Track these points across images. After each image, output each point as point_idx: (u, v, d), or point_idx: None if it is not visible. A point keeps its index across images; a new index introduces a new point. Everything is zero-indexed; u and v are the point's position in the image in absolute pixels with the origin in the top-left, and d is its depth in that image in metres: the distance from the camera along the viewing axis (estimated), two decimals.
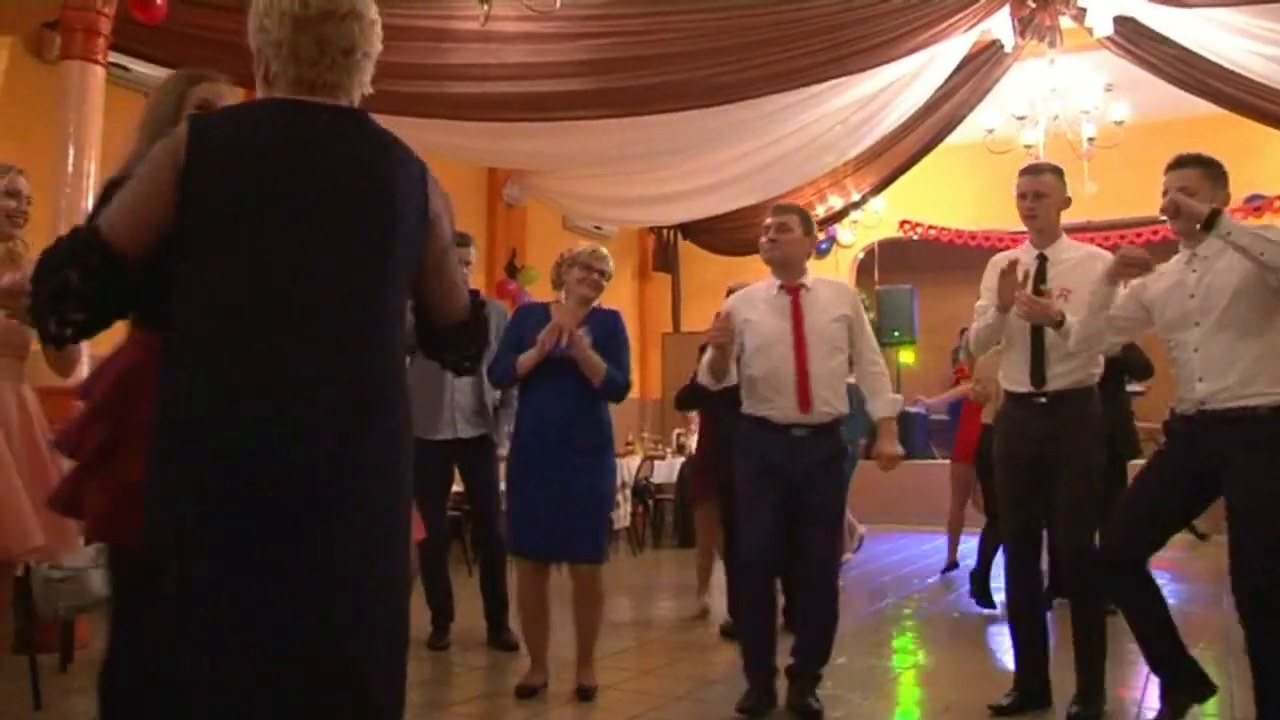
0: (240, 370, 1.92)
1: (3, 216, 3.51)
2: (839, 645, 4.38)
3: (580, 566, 4.42)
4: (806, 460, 4.14)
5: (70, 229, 2.09)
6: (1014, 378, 4.15)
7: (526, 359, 4.41)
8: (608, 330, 4.51)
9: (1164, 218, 3.78)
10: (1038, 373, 4.04)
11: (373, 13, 2.24)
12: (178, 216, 2.00)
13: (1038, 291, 4.03)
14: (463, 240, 5.25)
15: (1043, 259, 4.15)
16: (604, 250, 4.66)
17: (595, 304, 4.59)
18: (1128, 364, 5.54)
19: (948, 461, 8.19)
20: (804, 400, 4.13)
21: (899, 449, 4.39)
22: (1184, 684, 3.75)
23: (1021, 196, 4.16)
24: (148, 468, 1.97)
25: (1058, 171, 4.23)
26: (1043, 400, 4.04)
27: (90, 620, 5.03)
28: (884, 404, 4.31)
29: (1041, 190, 4.13)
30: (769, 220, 4.35)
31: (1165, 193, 3.69)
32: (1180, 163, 3.75)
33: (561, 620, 4.59)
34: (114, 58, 6.00)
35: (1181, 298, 3.71)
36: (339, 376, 1.97)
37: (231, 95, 2.75)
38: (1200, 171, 3.70)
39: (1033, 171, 4.22)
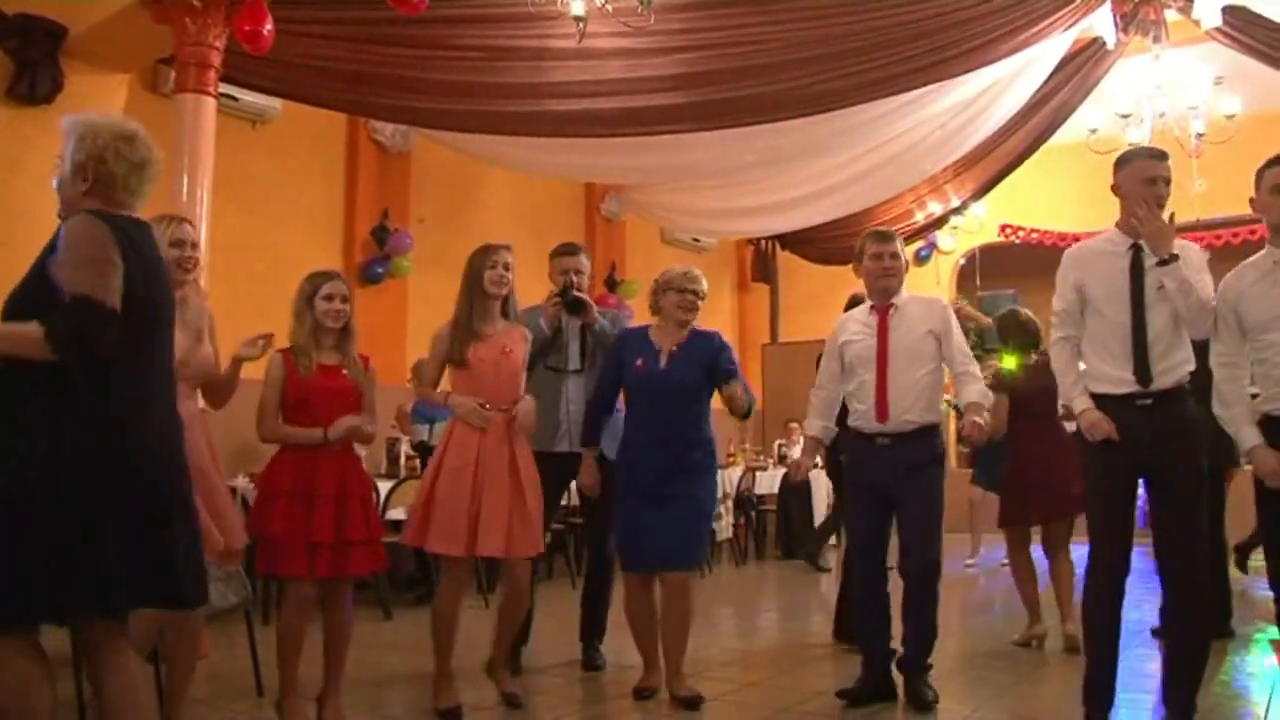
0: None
1: (173, 266, 3.62)
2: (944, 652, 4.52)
3: (671, 574, 4.50)
4: (892, 467, 4.39)
5: None
6: (1112, 376, 3.80)
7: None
8: (712, 356, 4.60)
9: None
10: (1143, 369, 3.73)
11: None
12: None
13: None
14: (570, 250, 5.28)
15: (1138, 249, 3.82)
16: (696, 271, 4.76)
17: (697, 326, 4.75)
18: None
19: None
20: (881, 410, 4.40)
21: (982, 420, 4.39)
22: None
23: (1153, 181, 3.79)
24: None
25: None
26: (1148, 401, 3.73)
27: (211, 631, 5.20)
28: (971, 392, 4.46)
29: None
30: (879, 248, 4.55)
31: (1275, 189, 3.60)
32: (1276, 160, 3.63)
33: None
34: (223, 88, 6.21)
35: (1273, 299, 3.58)
36: None
37: None
38: None
39: (1163, 157, 3.91)
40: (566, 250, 5.35)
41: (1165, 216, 3.72)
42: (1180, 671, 3.75)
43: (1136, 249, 3.80)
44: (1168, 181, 3.81)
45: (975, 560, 9.43)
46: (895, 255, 4.55)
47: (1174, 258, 3.65)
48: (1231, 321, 3.71)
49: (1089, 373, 3.86)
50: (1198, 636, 3.78)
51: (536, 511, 4.40)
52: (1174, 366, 3.75)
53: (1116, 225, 3.91)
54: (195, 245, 3.82)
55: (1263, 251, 3.69)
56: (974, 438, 4.41)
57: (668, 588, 4.53)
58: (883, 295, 4.55)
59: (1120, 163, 3.91)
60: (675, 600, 4.51)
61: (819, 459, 5.65)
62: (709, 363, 4.58)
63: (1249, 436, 3.61)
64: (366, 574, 4.37)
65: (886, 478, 4.40)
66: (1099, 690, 3.83)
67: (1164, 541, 3.75)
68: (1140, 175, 3.80)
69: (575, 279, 5.18)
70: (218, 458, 3.96)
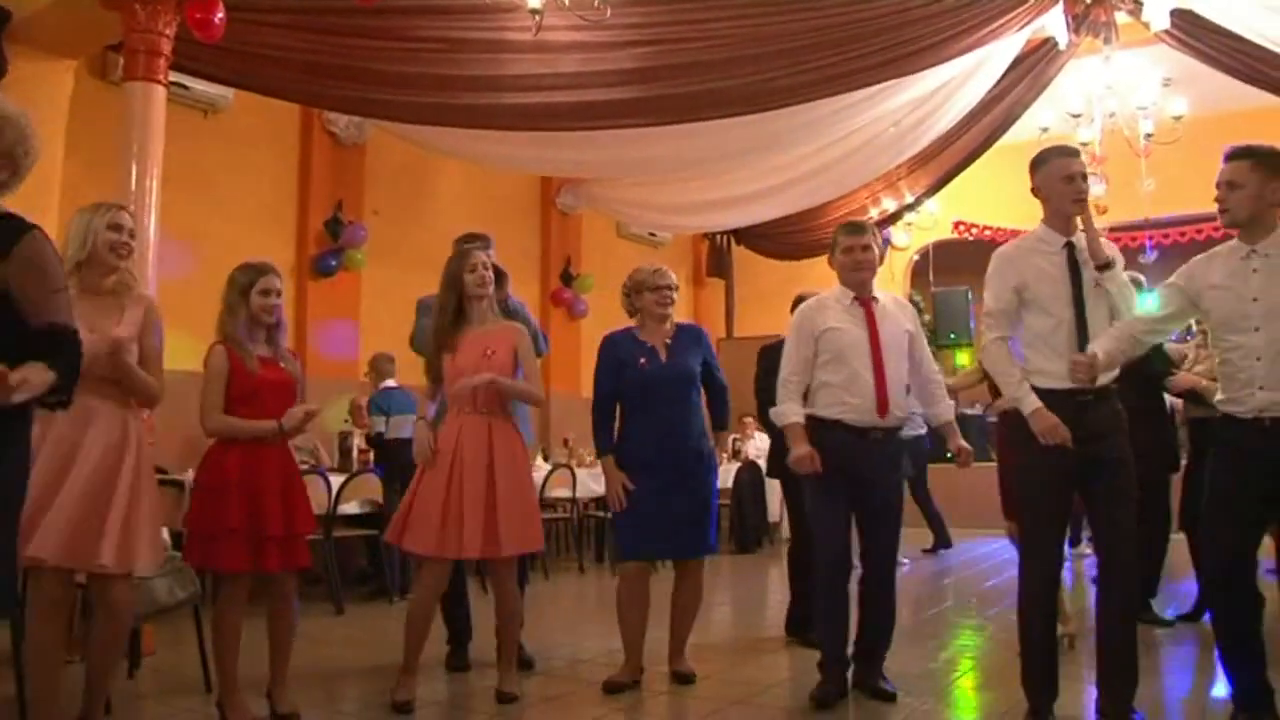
0: None
1: (107, 250, 3.63)
2: (899, 647, 4.56)
3: (691, 562, 4.76)
4: (878, 461, 4.39)
5: None
6: (1057, 372, 3.81)
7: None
8: (701, 347, 4.86)
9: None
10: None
11: None
12: None
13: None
14: (485, 243, 5.20)
15: (1072, 246, 3.88)
16: (664, 267, 4.89)
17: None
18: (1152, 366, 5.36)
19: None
20: (883, 405, 4.35)
21: (966, 444, 4.48)
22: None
23: (1072, 179, 3.86)
24: None
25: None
26: (1089, 396, 3.76)
27: (156, 628, 5.14)
28: (946, 408, 4.60)
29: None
30: (852, 241, 4.52)
31: (1219, 185, 3.62)
32: (1230, 155, 3.63)
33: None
34: (174, 77, 6.12)
35: (1240, 297, 3.56)
36: None
37: None
38: (1249, 163, 3.55)
39: (1077, 154, 3.98)
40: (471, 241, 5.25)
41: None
42: (1114, 660, 3.79)
43: (1070, 246, 3.86)
44: (1084, 177, 3.90)
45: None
46: (867, 247, 4.50)
47: (1112, 263, 3.79)
48: (1182, 303, 3.76)
49: (1030, 370, 3.87)
50: (1130, 624, 3.83)
51: (519, 513, 4.39)
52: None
53: (1044, 223, 3.94)
54: (132, 232, 3.75)
55: (1232, 243, 3.67)
56: (967, 463, 4.40)
57: (685, 572, 4.78)
58: (860, 287, 4.50)
59: (1036, 164, 3.96)
60: (690, 583, 4.79)
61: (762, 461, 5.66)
62: (704, 350, 4.83)
63: None
64: (309, 566, 4.34)
65: (873, 472, 4.37)
66: (1044, 681, 3.86)
67: (1106, 532, 3.82)
68: (1059, 174, 3.87)
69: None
70: (145, 463, 3.70)
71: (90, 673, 3.67)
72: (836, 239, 4.58)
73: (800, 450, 4.37)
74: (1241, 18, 8.38)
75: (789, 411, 4.45)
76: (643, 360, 4.69)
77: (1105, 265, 3.78)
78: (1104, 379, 3.80)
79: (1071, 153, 3.97)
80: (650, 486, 4.58)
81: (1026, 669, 3.87)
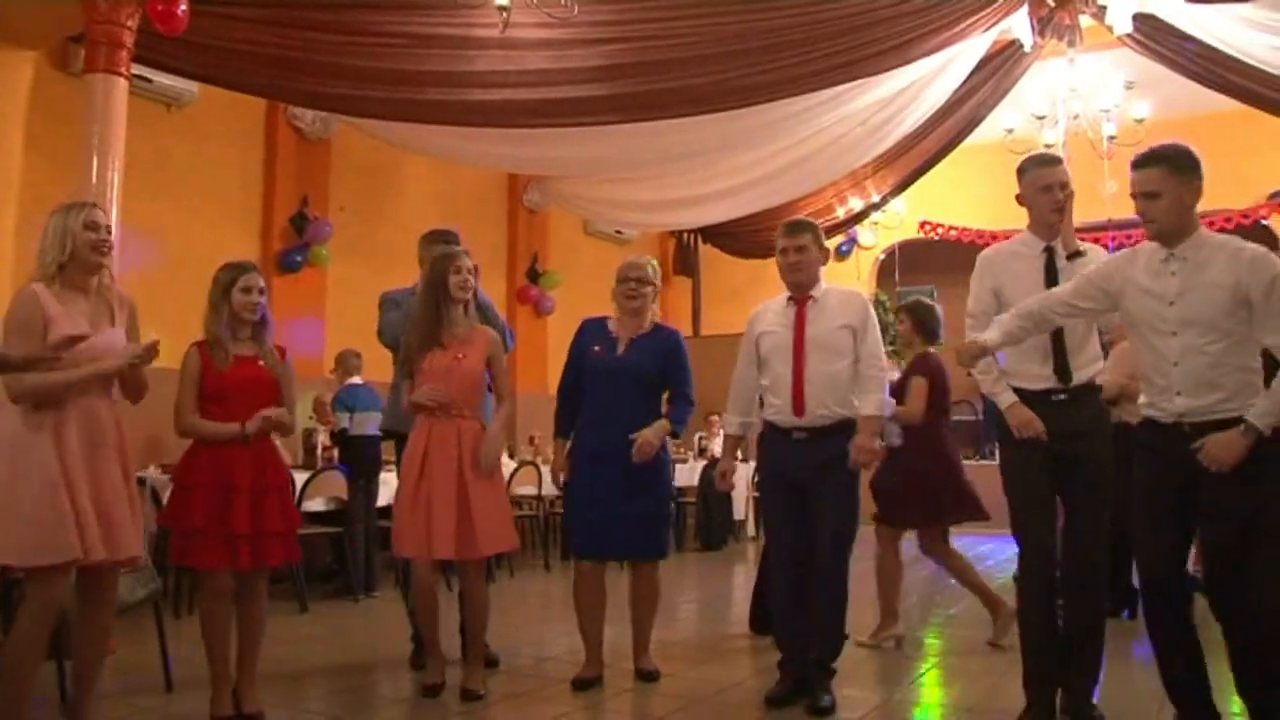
0: None
1: (88, 249, 3.62)
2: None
3: (642, 564, 4.67)
4: (808, 462, 4.30)
5: None
6: (1033, 373, 3.89)
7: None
8: (664, 353, 4.69)
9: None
10: (1062, 366, 3.85)
11: None
12: None
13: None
14: (447, 238, 5.15)
15: (1051, 251, 3.94)
16: (642, 259, 4.82)
17: (658, 320, 4.83)
18: None
19: (973, 463, 8.17)
20: (798, 404, 4.31)
21: (873, 444, 4.36)
22: None
23: (1048, 189, 3.91)
24: None
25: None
26: (1064, 396, 3.82)
27: (119, 625, 5.08)
28: (869, 403, 4.37)
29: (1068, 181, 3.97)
30: (785, 242, 4.47)
31: (1135, 196, 3.48)
32: (1139, 162, 3.48)
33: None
34: (136, 69, 6.06)
35: (1157, 301, 3.46)
36: None
37: None
38: (1163, 170, 3.41)
39: (1055, 162, 4.05)
40: (438, 239, 5.21)
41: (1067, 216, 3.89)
42: (1077, 658, 3.82)
43: (1049, 251, 3.92)
44: (1063, 185, 3.92)
45: None
46: (801, 249, 4.43)
47: (1082, 253, 3.84)
48: (1097, 296, 3.65)
49: (1007, 370, 3.93)
50: (1093, 620, 3.87)
51: (490, 512, 4.42)
52: (1088, 363, 3.89)
53: (1029, 229, 4.00)
54: (109, 229, 3.75)
55: (1152, 245, 3.55)
56: (861, 462, 4.31)
57: (638, 574, 4.71)
58: (796, 289, 4.46)
59: (1019, 173, 4.03)
60: (645, 585, 4.72)
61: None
62: (666, 355, 4.68)
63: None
64: (282, 564, 4.34)
65: (802, 472, 4.31)
66: (1044, 680, 3.86)
67: (1075, 530, 3.86)
68: (1036, 184, 3.95)
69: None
70: (127, 458, 3.76)
71: (83, 666, 3.67)
72: (777, 240, 4.54)
73: (721, 465, 4.74)
74: (1203, 23, 8.48)
75: (726, 422, 4.68)
76: (597, 349, 4.67)
77: (1075, 254, 3.84)
78: (1082, 376, 3.85)
79: (1049, 162, 4.04)
80: (598, 482, 4.55)
81: (1027, 665, 3.88)
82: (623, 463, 4.49)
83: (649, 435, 4.50)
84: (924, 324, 5.68)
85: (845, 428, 4.33)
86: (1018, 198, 4.02)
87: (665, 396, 4.74)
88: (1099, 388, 3.99)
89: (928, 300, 5.90)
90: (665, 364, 4.67)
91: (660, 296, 15.20)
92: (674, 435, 4.71)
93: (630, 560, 4.71)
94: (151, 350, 3.57)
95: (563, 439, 4.80)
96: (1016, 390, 3.87)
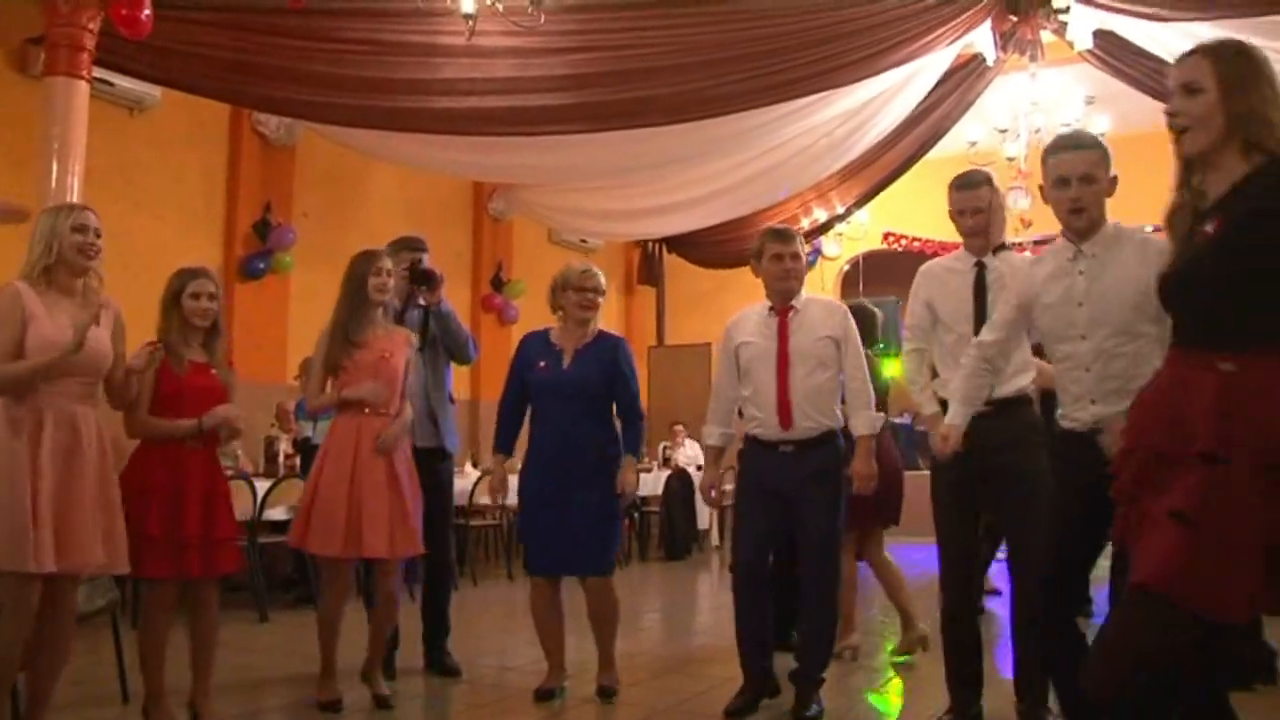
0: None
1: (75, 252, 3.59)
2: None
3: (590, 580, 4.58)
4: (796, 476, 4.25)
5: None
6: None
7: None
8: (610, 362, 4.62)
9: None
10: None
11: None
12: None
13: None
14: (415, 245, 5.17)
15: (981, 267, 3.98)
16: (595, 268, 4.76)
17: (600, 327, 4.75)
18: None
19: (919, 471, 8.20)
20: (784, 417, 4.25)
21: (871, 467, 4.36)
22: None
23: (961, 214, 3.99)
24: None
25: (991, 182, 4.06)
26: (989, 409, 3.70)
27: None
28: (860, 421, 4.37)
29: (981, 205, 3.95)
30: (780, 249, 4.39)
31: (1066, 181, 3.24)
32: (1078, 144, 3.30)
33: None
34: (98, 73, 6.00)
35: (1066, 304, 3.28)
36: None
37: None
38: (1099, 154, 3.24)
39: (971, 185, 4.02)
40: (404, 246, 5.20)
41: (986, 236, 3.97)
42: (1026, 666, 3.85)
43: (980, 266, 3.96)
44: (976, 210, 3.95)
45: None
46: (796, 256, 4.39)
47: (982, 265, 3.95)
48: (1020, 319, 3.51)
49: (939, 381, 3.98)
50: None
51: (416, 514, 4.43)
52: (1015, 373, 3.82)
53: (963, 244, 4.07)
54: (98, 232, 3.71)
55: (1059, 243, 3.38)
56: (864, 491, 4.34)
57: (590, 590, 4.60)
58: (783, 297, 4.38)
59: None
60: (599, 601, 4.61)
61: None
62: (612, 365, 4.61)
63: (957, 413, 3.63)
64: (232, 572, 4.30)
65: (788, 485, 4.26)
66: (964, 683, 3.96)
67: (1012, 545, 3.91)
68: (951, 208, 4.05)
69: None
70: (108, 465, 3.68)
71: (41, 678, 3.62)
72: (764, 245, 4.43)
73: (704, 479, 4.68)
74: (1162, 40, 8.60)
75: (707, 434, 4.59)
76: (543, 364, 4.62)
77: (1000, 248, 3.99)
78: (1008, 389, 3.81)
79: (963, 185, 4.03)
80: (545, 498, 4.51)
81: (949, 668, 3.96)
82: (571, 478, 4.47)
83: (628, 477, 4.51)
84: (861, 326, 5.72)
85: (830, 439, 4.32)
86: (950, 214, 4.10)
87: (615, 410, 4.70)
88: (1029, 399, 3.92)
89: (870, 305, 5.94)
90: (611, 374, 4.61)
91: (625, 306, 15.24)
92: (637, 458, 4.67)
93: (580, 576, 4.61)
94: (155, 353, 3.70)
95: (502, 455, 4.78)
96: (944, 402, 3.81)
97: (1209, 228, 2.39)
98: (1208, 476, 2.26)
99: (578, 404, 4.54)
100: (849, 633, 5.47)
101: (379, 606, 4.52)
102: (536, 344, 4.72)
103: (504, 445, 4.78)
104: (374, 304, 4.46)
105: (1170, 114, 2.49)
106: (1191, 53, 2.49)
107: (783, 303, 4.39)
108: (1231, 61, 2.41)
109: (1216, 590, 2.22)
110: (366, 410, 4.38)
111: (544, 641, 4.68)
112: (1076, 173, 3.21)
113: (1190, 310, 2.46)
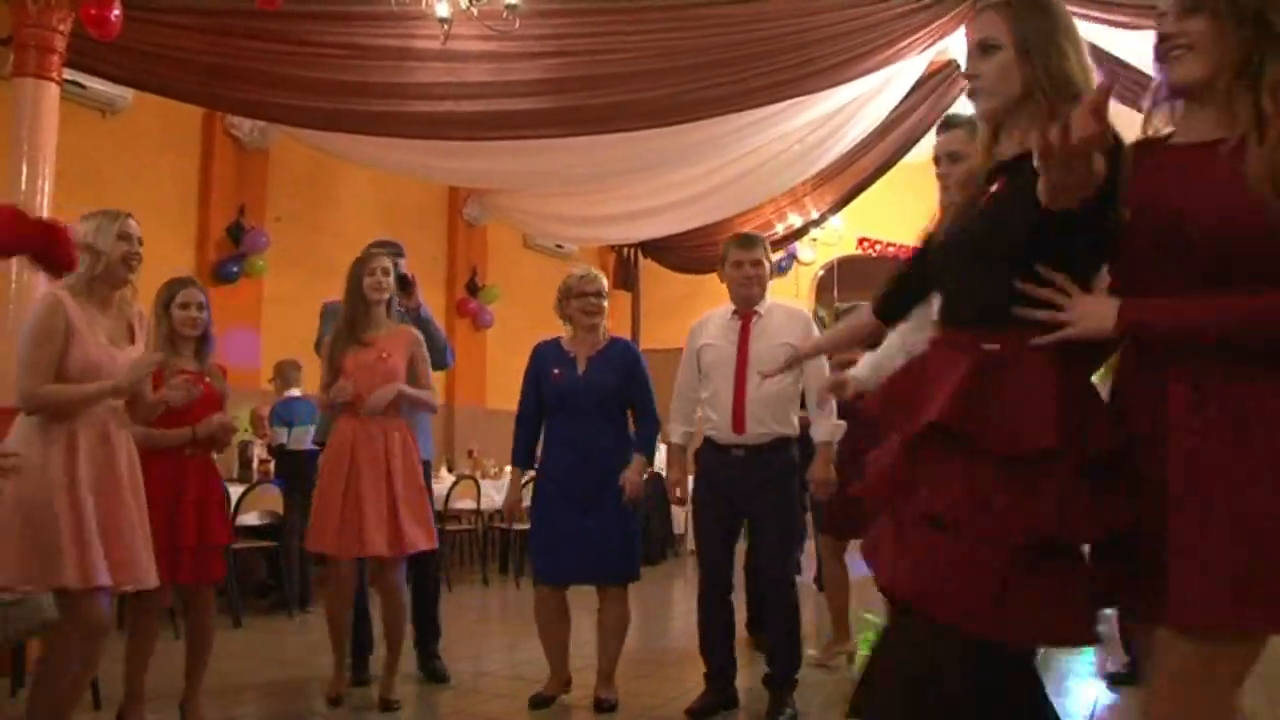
0: None
1: (118, 261, 3.53)
2: None
3: (611, 588, 4.59)
4: (746, 479, 4.34)
5: None
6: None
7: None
8: (625, 368, 4.64)
9: None
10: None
11: None
12: None
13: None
14: (391, 249, 5.18)
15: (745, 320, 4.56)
16: (594, 272, 4.79)
17: (611, 334, 4.81)
18: None
19: None
20: (738, 421, 4.34)
21: (830, 473, 4.48)
22: None
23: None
24: None
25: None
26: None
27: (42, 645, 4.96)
28: (822, 429, 4.51)
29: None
30: (741, 255, 4.50)
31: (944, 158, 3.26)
32: (954, 123, 3.32)
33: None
34: (69, 74, 5.95)
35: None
36: None
37: None
38: (969, 131, 3.04)
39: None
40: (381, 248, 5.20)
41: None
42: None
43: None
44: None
45: None
46: (758, 262, 4.47)
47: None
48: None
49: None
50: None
51: (420, 510, 4.50)
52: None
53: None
54: (140, 240, 3.66)
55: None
56: (822, 496, 4.52)
57: (608, 598, 4.60)
58: (745, 303, 4.48)
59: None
60: (613, 609, 4.61)
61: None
62: (627, 371, 4.62)
63: None
64: (221, 577, 4.30)
65: (739, 490, 4.34)
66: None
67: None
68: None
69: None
70: (139, 483, 3.60)
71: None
72: (727, 252, 4.56)
73: (671, 476, 4.81)
74: (1136, 50, 8.65)
75: (670, 431, 4.67)
76: (557, 372, 4.62)
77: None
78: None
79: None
80: (563, 506, 4.49)
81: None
82: (589, 486, 4.47)
83: (633, 478, 4.49)
84: None
85: (784, 445, 4.40)
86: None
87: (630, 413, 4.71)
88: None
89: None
90: (627, 380, 4.62)
91: None
92: (649, 458, 4.67)
93: (598, 585, 4.60)
94: (193, 388, 3.76)
95: (520, 469, 4.76)
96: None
97: (992, 190, 2.16)
98: (958, 470, 1.94)
99: (595, 410, 4.55)
100: (844, 639, 5.46)
101: (384, 606, 4.55)
102: (549, 352, 4.72)
103: (523, 459, 4.74)
104: (373, 303, 4.54)
105: (968, 76, 2.30)
106: (986, 8, 2.27)
107: (746, 308, 4.48)
108: (1027, 16, 2.18)
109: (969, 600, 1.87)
110: (363, 413, 4.45)
111: (548, 650, 4.66)
112: (950, 149, 3.26)
113: (955, 282, 2.18)
